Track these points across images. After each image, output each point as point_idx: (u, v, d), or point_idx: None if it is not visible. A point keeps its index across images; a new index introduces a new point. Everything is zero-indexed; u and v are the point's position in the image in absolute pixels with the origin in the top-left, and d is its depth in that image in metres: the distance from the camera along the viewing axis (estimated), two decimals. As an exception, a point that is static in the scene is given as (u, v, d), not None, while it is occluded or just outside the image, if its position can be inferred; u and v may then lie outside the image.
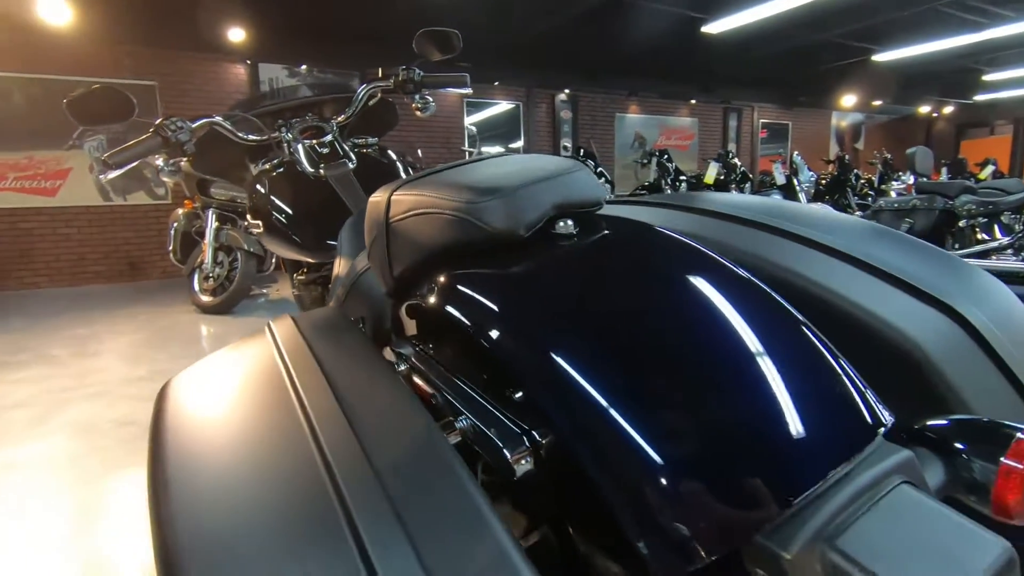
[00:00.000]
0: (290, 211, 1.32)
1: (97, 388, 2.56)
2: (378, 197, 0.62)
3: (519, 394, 0.42)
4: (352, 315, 0.75)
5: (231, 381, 0.46)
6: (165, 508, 0.33)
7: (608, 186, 5.87)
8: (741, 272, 0.44)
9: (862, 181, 7.79)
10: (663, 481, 0.31)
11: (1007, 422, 0.35)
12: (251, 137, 1.37)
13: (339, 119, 1.47)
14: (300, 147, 1.34)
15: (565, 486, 0.39)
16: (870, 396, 0.37)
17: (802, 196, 6.90)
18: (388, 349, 0.65)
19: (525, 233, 0.48)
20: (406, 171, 1.56)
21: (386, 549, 0.28)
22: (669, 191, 6.14)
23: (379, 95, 1.54)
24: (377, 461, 0.33)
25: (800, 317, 0.41)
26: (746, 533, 0.30)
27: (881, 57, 7.75)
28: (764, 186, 7.97)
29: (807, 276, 0.48)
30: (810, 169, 7.27)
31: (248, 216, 1.40)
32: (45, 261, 5.64)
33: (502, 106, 7.93)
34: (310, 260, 1.32)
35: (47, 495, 1.71)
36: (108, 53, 5.53)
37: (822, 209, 0.62)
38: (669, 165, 6.23)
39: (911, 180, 5.67)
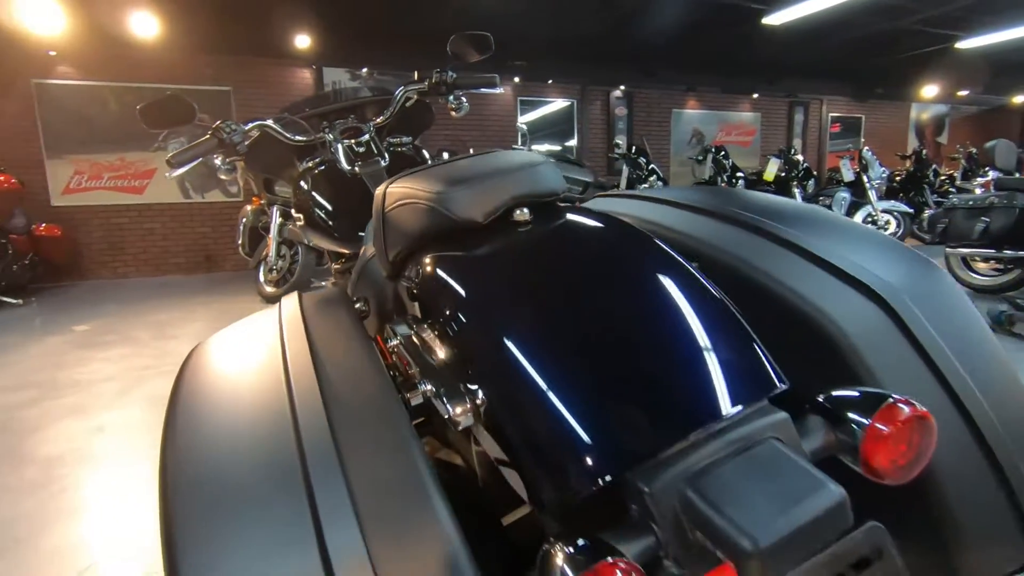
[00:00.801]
0: (328, 205, 1.43)
1: (172, 367, 2.82)
2: (379, 190, 0.69)
3: (465, 358, 0.48)
4: (361, 295, 0.83)
5: (238, 347, 0.54)
6: (171, 450, 0.41)
7: (660, 183, 5.79)
8: (670, 253, 0.48)
9: (942, 177, 7.27)
10: (558, 423, 0.37)
11: (886, 392, 0.38)
12: (298, 138, 1.48)
13: (378, 120, 1.57)
14: (340, 147, 1.45)
15: (498, 437, 0.44)
16: (764, 364, 0.40)
17: (872, 194, 6.52)
18: (387, 326, 0.73)
19: (484, 220, 0.54)
20: None
21: (327, 490, 0.35)
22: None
23: (415, 97, 1.63)
24: (335, 416, 0.40)
25: (715, 292, 0.45)
26: (617, 469, 0.35)
27: (966, 44, 7.19)
28: (831, 183, 7.59)
29: (744, 258, 0.51)
30: (882, 165, 6.86)
31: (292, 210, 1.52)
32: (133, 253, 6.19)
33: (557, 104, 7.94)
34: (345, 251, 1.42)
35: (129, 454, 1.93)
36: (190, 62, 6.00)
37: (776, 199, 0.65)
38: (725, 162, 6.05)
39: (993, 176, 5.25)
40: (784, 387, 0.39)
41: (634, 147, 5.82)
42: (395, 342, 0.64)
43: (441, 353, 0.49)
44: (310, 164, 1.51)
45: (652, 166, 5.78)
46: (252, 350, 0.53)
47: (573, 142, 8.02)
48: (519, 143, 5.57)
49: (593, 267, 0.48)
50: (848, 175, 6.86)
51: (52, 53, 5.58)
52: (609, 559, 0.29)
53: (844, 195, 6.83)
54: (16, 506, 1.60)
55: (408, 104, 1.64)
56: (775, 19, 5.88)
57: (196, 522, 0.35)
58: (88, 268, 6.00)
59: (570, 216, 0.56)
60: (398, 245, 0.63)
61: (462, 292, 0.49)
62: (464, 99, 1.70)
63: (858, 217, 6.64)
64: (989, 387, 0.43)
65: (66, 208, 5.82)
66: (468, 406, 0.44)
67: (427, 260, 0.56)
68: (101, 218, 6.01)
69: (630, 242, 0.50)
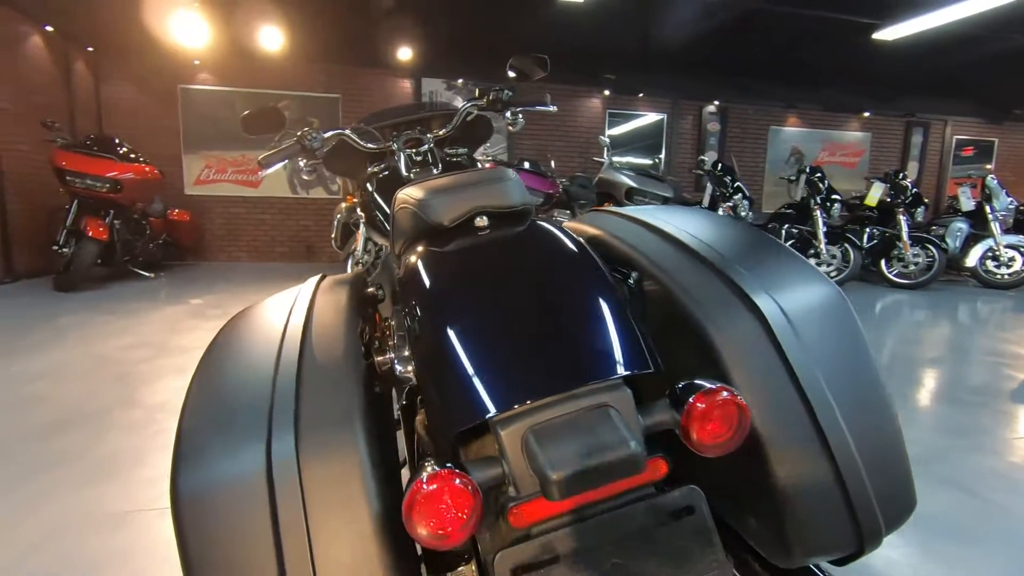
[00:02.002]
0: (385, 207, 1.60)
1: (261, 342, 3.20)
2: (397, 194, 0.83)
3: (411, 330, 0.59)
4: (378, 282, 0.98)
5: (260, 314, 0.69)
6: (194, 382, 0.56)
7: (746, 202, 5.58)
8: (586, 258, 0.57)
9: (1089, 213, 6.39)
10: (454, 381, 0.47)
11: (716, 383, 0.44)
12: (369, 145, 1.68)
13: (440, 133, 1.73)
14: (402, 155, 1.62)
15: (423, 391, 0.55)
16: (627, 350, 0.48)
17: (995, 226, 5.89)
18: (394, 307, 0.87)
19: (450, 224, 0.65)
20: None
21: (282, 414, 0.47)
22: (818, 212, 5.64)
23: (475, 113, 1.77)
24: (305, 366, 0.53)
25: (612, 292, 0.53)
26: (484, 414, 0.45)
27: None
28: (949, 212, 6.92)
29: (666, 268, 0.58)
30: (1010, 195, 6.16)
31: (358, 208, 1.72)
32: (246, 240, 6.92)
33: (648, 117, 7.89)
34: None
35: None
36: (306, 71, 6.64)
37: (716, 220, 0.71)
38: (820, 184, 5.71)
39: None
40: (643, 371, 0.47)
41: (720, 163, 5.66)
42: (386, 318, 0.77)
43: (402, 326, 0.61)
44: (375, 169, 1.69)
45: (738, 184, 5.58)
46: (268, 316, 0.68)
47: (660, 156, 7.92)
48: (604, 156, 5.62)
49: (518, 264, 0.59)
50: (967, 204, 6.23)
51: (196, 62, 6.42)
52: (446, 470, 0.39)
53: (960, 225, 6.21)
54: (123, 441, 1.93)
55: (469, 118, 1.78)
56: (887, 34, 5.50)
57: (196, 425, 0.49)
58: (208, 251, 6.80)
59: (519, 225, 0.66)
60: (400, 240, 0.77)
61: (419, 279, 0.61)
62: (520, 116, 1.83)
63: (977, 251, 6.00)
64: (848, 407, 0.48)
65: (195, 197, 6.64)
66: (411, 368, 0.56)
67: (409, 253, 0.68)
68: (222, 207, 6.79)
69: (556, 247, 0.60)
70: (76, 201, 4.54)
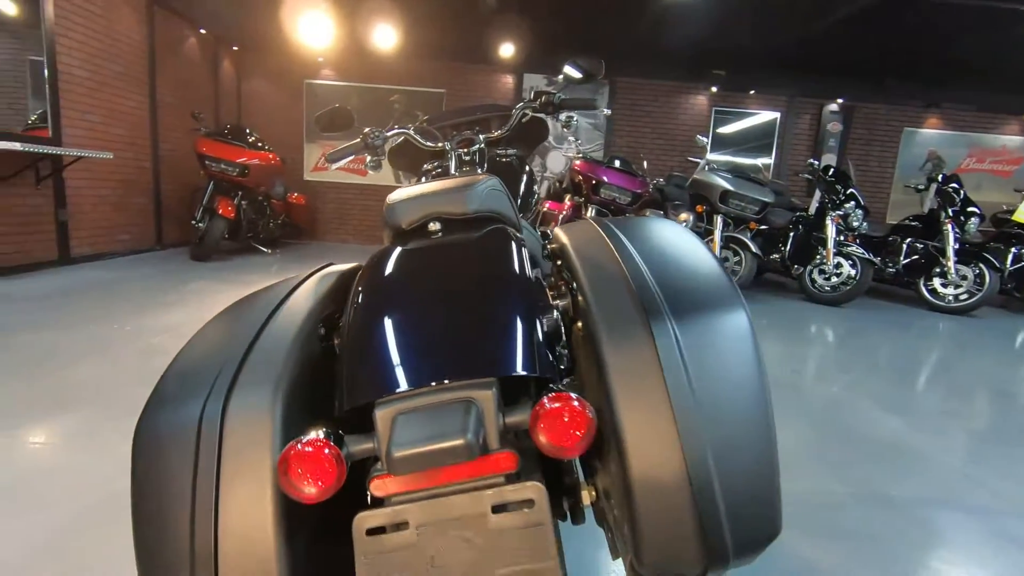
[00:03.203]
0: None
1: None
2: None
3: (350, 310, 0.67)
4: None
5: (260, 294, 0.80)
6: (190, 340, 0.68)
7: (860, 212, 5.07)
8: (514, 265, 0.62)
9: None
10: (357, 363, 0.54)
11: (567, 391, 0.47)
12: (428, 144, 1.80)
13: (495, 134, 1.80)
14: (453, 155, 1.72)
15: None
16: (507, 353, 0.52)
17: None
18: None
19: (407, 227, 0.72)
20: (531, 181, 1.81)
21: (219, 387, 0.57)
22: (949, 227, 4.99)
23: (530, 114, 1.82)
24: (257, 345, 0.62)
25: (523, 296, 0.58)
26: (376, 394, 0.51)
27: None
28: None
29: (589, 275, 0.61)
30: None
31: None
32: (353, 224, 7.50)
33: (761, 116, 7.41)
34: None
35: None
36: (415, 67, 7.02)
37: (652, 223, 0.71)
38: (955, 195, 5.04)
39: None
40: (512, 374, 0.51)
41: (831, 168, 5.18)
42: None
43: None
44: (429, 167, 1.81)
45: (851, 191, 5.08)
46: (261, 296, 0.78)
47: (769, 159, 7.41)
48: (703, 156, 5.39)
49: (446, 267, 0.64)
50: None
51: (320, 59, 7.03)
52: (322, 438, 0.46)
53: None
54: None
55: (524, 120, 1.83)
56: (1058, 23, 4.70)
57: (167, 379, 0.60)
58: (320, 232, 7.46)
59: (476, 231, 0.72)
60: (387, 237, 0.85)
61: (365, 272, 0.68)
62: (574, 117, 1.85)
63: None
64: (719, 433, 0.48)
65: (312, 182, 7.30)
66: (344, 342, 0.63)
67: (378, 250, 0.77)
68: (334, 193, 7.41)
69: (490, 255, 0.64)
70: (212, 183, 5.20)
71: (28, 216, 4.17)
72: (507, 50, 6.44)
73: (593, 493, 0.63)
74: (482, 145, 1.74)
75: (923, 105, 7.16)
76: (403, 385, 0.51)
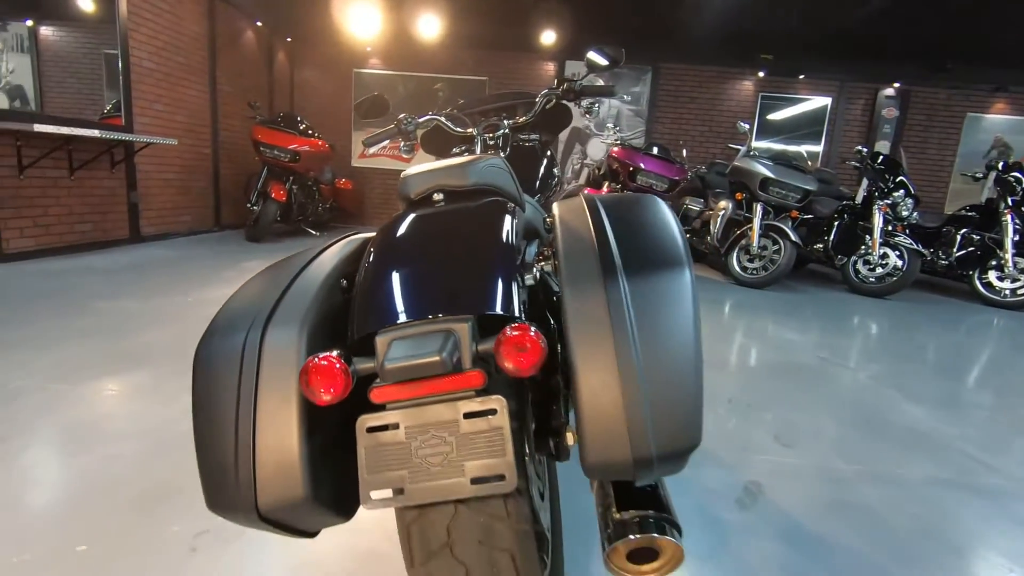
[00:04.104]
0: None
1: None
2: None
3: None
4: None
5: (301, 253, 0.95)
6: (234, 293, 0.83)
7: (910, 201, 4.89)
8: (500, 230, 0.74)
9: None
10: (367, 300, 0.67)
11: (525, 322, 0.58)
12: (457, 130, 1.92)
13: (520, 120, 1.91)
14: (479, 139, 1.84)
15: None
16: (485, 296, 0.64)
17: None
18: None
19: (415, 197, 0.85)
20: (551, 164, 1.91)
21: (258, 322, 0.71)
22: (1009, 217, 4.75)
23: (555, 100, 1.91)
24: (289, 292, 0.76)
25: (503, 255, 0.69)
26: (378, 325, 0.64)
27: None
28: None
29: (564, 241, 0.73)
30: None
31: None
32: (397, 208, 7.73)
33: (810, 102, 7.19)
34: None
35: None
36: (457, 55, 7.15)
37: (627, 198, 0.81)
38: (1017, 184, 4.78)
39: None
40: (489, 312, 0.63)
41: (880, 155, 5.00)
42: None
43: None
44: (458, 151, 1.93)
45: (901, 179, 4.90)
46: (300, 255, 0.93)
47: (818, 147, 7.18)
48: (745, 143, 5.30)
49: (443, 229, 0.76)
50: None
51: (368, 48, 7.26)
52: (334, 355, 0.59)
53: None
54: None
55: (549, 106, 1.93)
56: None
57: (220, 316, 0.75)
58: (366, 216, 7.74)
59: (473, 201, 0.84)
60: (401, 206, 0.98)
61: (381, 233, 0.82)
62: (596, 103, 1.93)
63: None
64: (652, 359, 0.59)
65: (359, 168, 7.58)
66: None
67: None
68: (379, 179, 7.67)
69: (482, 220, 0.77)
70: (266, 168, 5.51)
71: (105, 198, 4.57)
72: (548, 37, 6.48)
73: (576, 435, 0.74)
74: (506, 131, 1.85)
75: (989, 89, 6.77)
76: (399, 318, 0.63)
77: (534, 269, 0.77)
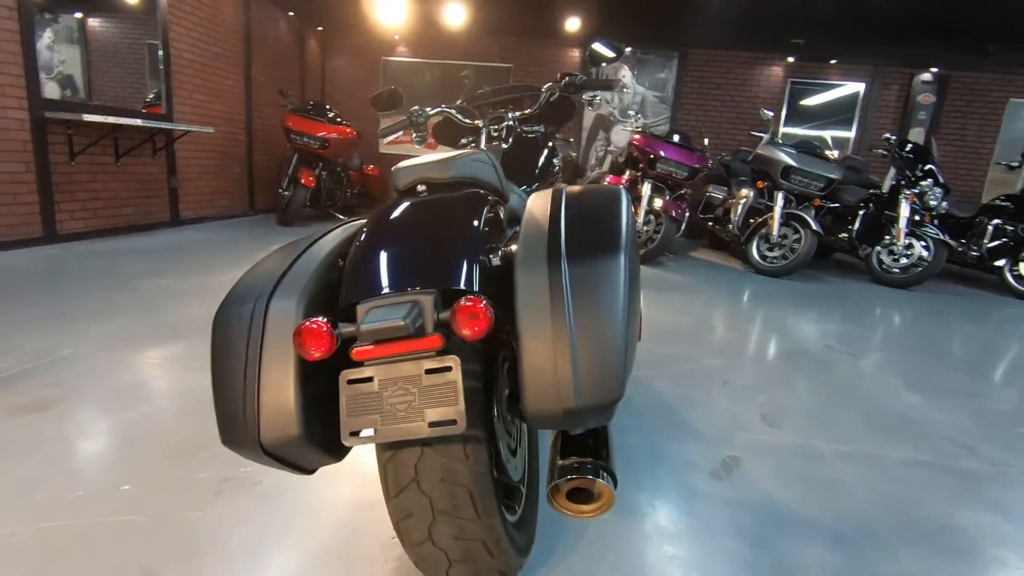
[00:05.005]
0: None
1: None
2: None
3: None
4: None
5: (310, 235, 1.09)
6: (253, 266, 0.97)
7: (939, 191, 4.79)
8: (472, 219, 0.86)
9: None
10: (354, 275, 0.80)
11: (478, 295, 0.70)
12: (466, 121, 2.03)
13: (526, 112, 2.00)
14: (484, 130, 1.95)
15: None
16: (455, 270, 0.76)
17: None
18: None
19: (403, 188, 0.97)
20: (551, 155, 2.00)
21: (265, 291, 0.84)
22: (1045, 207, 4.61)
23: (557, 93, 2.00)
24: (294, 266, 0.90)
25: (471, 239, 0.82)
26: (360, 295, 0.77)
27: None
28: None
29: (524, 231, 0.84)
30: None
31: None
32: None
33: (842, 88, 7.01)
34: None
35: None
36: (483, 43, 7.22)
37: (588, 189, 0.93)
38: (1054, 173, 4.62)
39: None
40: (452, 287, 0.75)
41: (909, 143, 4.89)
42: None
43: None
44: (465, 141, 2.05)
45: (930, 167, 4.79)
46: (309, 235, 1.07)
47: (851, 133, 7.01)
48: (768, 131, 5.24)
49: (423, 216, 0.88)
50: None
51: (396, 36, 7.39)
52: (321, 320, 0.72)
53: None
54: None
55: (553, 99, 2.02)
56: None
57: (238, 284, 0.90)
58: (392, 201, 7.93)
59: (445, 192, 0.96)
60: (393, 195, 1.11)
61: (370, 219, 0.94)
62: (597, 96, 2.02)
63: None
64: (582, 322, 0.71)
65: (386, 155, 7.76)
66: None
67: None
68: (406, 165, 7.83)
69: (457, 209, 0.89)
70: (296, 155, 5.72)
71: (147, 183, 4.85)
72: (573, 24, 6.49)
73: None
74: (510, 123, 1.95)
75: (1035, 73, 6.49)
76: (377, 291, 0.76)
77: (500, 251, 0.88)
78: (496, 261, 0.88)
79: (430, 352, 0.73)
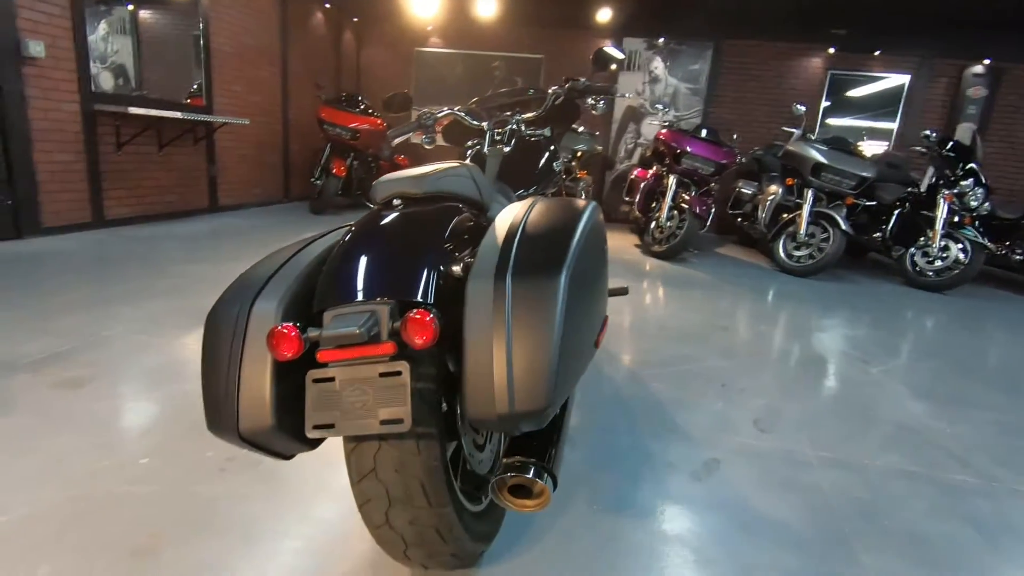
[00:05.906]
0: None
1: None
2: None
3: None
4: None
5: (309, 238, 1.19)
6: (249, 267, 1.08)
7: (980, 191, 4.59)
8: (438, 231, 0.93)
9: None
10: (326, 283, 0.90)
11: (428, 308, 0.77)
12: (474, 123, 2.10)
13: (529, 115, 2.06)
14: (488, 133, 2.01)
15: None
16: (412, 282, 0.84)
17: None
18: None
19: (380, 201, 1.06)
20: (551, 159, 2.05)
21: (251, 294, 0.95)
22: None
23: (562, 97, 2.05)
24: (281, 270, 1.00)
25: (432, 251, 0.89)
26: (326, 304, 0.86)
27: None
28: None
29: (485, 242, 0.92)
30: None
31: None
32: (452, 185, 8.03)
33: (885, 81, 6.73)
34: None
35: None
36: (514, 34, 7.22)
37: (555, 202, 0.99)
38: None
39: None
40: (408, 299, 0.83)
41: (951, 141, 4.68)
42: None
43: None
44: (471, 143, 2.12)
45: (971, 166, 4.59)
46: (297, 244, 1.17)
47: (894, 124, 6.74)
48: (799, 127, 5.10)
49: (392, 229, 0.97)
50: None
51: (429, 27, 7.48)
52: (290, 325, 0.82)
53: None
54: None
55: (558, 102, 2.06)
56: None
57: (233, 284, 1.00)
58: (423, 191, 8.08)
59: (419, 204, 1.04)
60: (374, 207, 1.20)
61: (348, 230, 1.03)
62: (601, 101, 2.05)
63: None
64: (517, 339, 0.78)
65: (415, 145, 7.88)
66: None
67: None
68: (434, 156, 7.91)
69: (424, 222, 0.96)
70: (329, 145, 5.91)
71: (188, 171, 5.11)
72: (604, 15, 6.43)
73: None
74: (514, 126, 2.01)
75: (1099, 65, 6.09)
76: (342, 299, 0.85)
77: (463, 263, 0.96)
78: (459, 273, 0.96)
79: (384, 358, 0.81)
